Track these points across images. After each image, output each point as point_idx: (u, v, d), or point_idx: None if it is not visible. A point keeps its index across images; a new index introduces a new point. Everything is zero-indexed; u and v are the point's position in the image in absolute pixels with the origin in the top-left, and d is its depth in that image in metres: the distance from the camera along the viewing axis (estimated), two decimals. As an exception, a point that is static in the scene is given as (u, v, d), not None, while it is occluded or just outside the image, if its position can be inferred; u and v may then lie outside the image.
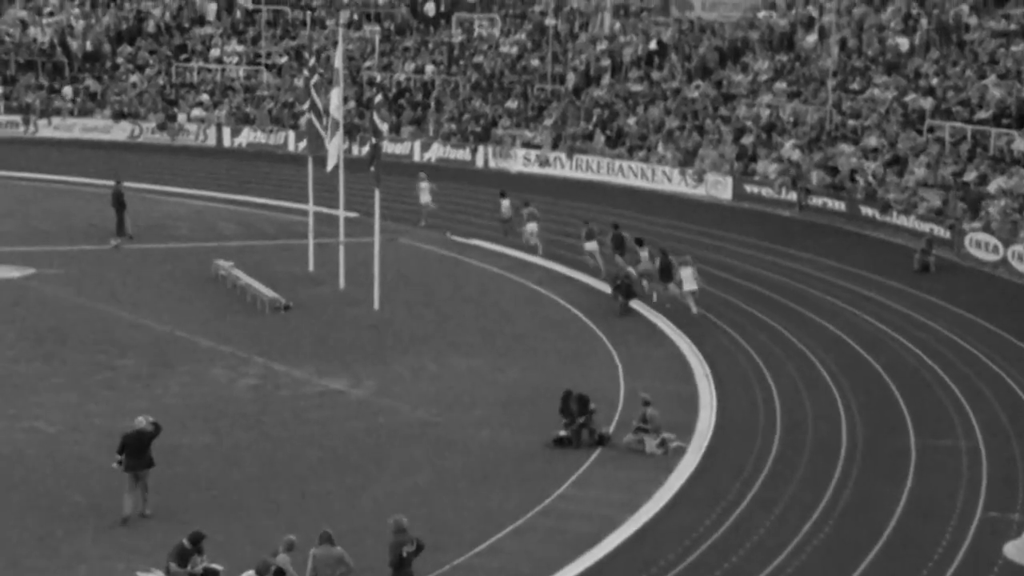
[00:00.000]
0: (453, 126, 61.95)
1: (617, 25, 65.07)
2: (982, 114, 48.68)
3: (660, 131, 56.90)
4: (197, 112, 66.21)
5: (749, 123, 54.94)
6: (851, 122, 52.16)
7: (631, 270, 37.71)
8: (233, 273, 38.50)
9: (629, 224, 43.05)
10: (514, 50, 66.25)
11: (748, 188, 52.07)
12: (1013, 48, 51.29)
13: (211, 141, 64.89)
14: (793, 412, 28.77)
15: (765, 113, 55.11)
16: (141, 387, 29.93)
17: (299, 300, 36.86)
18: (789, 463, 25.85)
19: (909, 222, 45.69)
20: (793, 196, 50.24)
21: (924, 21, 55.29)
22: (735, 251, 43.55)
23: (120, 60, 70.49)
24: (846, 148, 50.73)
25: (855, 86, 54.17)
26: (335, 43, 45.90)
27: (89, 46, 70.65)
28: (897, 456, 26.23)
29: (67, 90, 67.81)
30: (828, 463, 25.83)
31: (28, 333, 34.01)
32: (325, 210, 40.96)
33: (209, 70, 69.37)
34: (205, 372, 31.11)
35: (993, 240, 42.32)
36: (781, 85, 56.49)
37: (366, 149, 44.24)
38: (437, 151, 60.96)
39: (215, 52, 70.55)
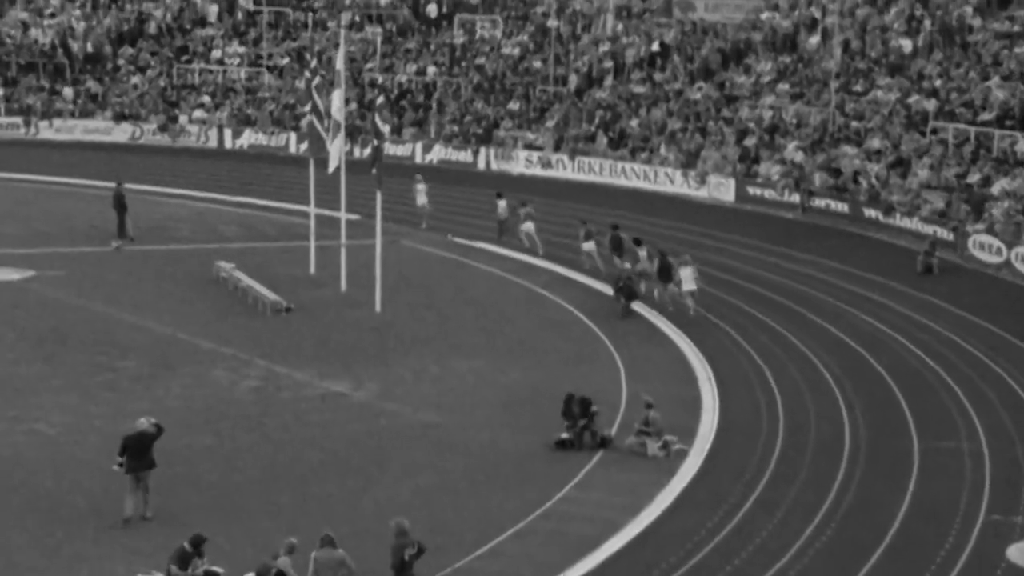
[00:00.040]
0: (455, 128, 61.89)
1: (619, 26, 64.96)
2: (986, 116, 48.58)
3: (662, 133, 56.82)
4: (198, 114, 66.18)
5: (752, 125, 54.83)
6: (854, 124, 52.06)
7: (627, 265, 37.65)
8: (234, 275, 38.44)
9: (632, 226, 42.97)
10: (516, 51, 66.17)
11: (751, 190, 51.99)
12: (1017, 50, 51.15)
13: (212, 143, 64.84)
14: (795, 414, 28.70)
15: (768, 115, 55.02)
16: (142, 389, 29.86)
17: (300, 302, 36.81)
18: (792, 465, 25.79)
19: (912, 224, 45.61)
20: (796, 198, 50.17)
21: (927, 22, 55.17)
22: (737, 253, 43.48)
23: (121, 62, 70.43)
24: (849, 150, 50.64)
25: (858, 88, 54.07)
26: (337, 45, 45.81)
27: (90, 47, 70.61)
28: (900, 458, 26.17)
29: (68, 92, 67.74)
30: (831, 465, 25.77)
31: (29, 335, 33.95)
32: (327, 212, 40.91)
33: (210, 72, 69.33)
34: (206, 374, 31.06)
35: (996, 242, 42.24)
36: (784, 87, 56.38)
37: (368, 151, 44.19)
38: (439, 153, 60.93)
39: (216, 54, 70.52)
